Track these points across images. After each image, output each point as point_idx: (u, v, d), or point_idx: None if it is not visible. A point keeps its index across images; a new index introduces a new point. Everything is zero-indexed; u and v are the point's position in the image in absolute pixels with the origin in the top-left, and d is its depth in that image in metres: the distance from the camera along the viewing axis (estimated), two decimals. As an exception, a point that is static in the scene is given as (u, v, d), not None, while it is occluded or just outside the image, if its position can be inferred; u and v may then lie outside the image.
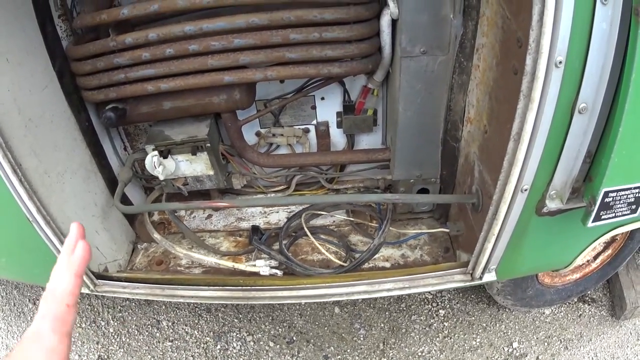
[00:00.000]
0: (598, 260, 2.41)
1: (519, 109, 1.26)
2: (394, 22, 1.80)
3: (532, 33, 1.12)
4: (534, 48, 1.14)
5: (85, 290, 2.06)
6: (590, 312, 2.67)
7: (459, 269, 1.93)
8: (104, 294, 2.09)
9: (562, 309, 2.68)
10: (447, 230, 2.12)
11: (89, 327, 2.76)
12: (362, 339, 2.62)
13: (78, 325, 2.77)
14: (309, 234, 2.23)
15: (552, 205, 1.44)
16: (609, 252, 2.37)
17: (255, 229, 2.26)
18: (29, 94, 1.76)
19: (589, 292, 2.70)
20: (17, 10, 1.70)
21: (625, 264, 2.50)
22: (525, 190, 1.42)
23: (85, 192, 2.06)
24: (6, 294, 3.03)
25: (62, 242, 1.81)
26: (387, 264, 2.17)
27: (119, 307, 2.84)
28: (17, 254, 2.01)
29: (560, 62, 1.13)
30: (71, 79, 2.02)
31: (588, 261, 2.42)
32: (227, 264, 2.13)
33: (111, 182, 2.24)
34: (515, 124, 1.29)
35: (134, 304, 2.86)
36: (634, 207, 1.40)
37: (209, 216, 2.55)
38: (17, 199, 1.67)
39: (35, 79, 1.80)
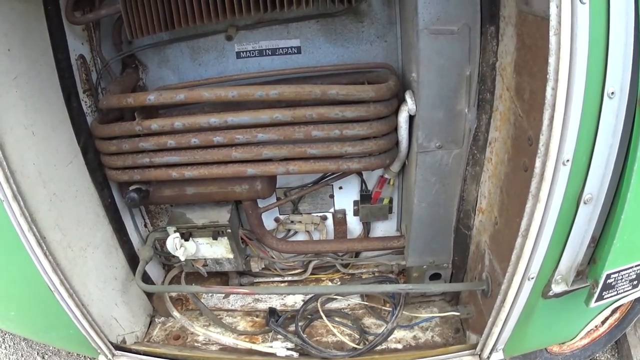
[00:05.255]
0: (606, 325, 2.40)
1: (527, 207, 1.31)
2: (411, 118, 1.86)
3: (542, 137, 1.17)
4: (543, 151, 1.19)
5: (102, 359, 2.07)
6: (598, 374, 2.65)
7: (467, 351, 1.97)
8: (121, 366, 2.11)
9: (570, 372, 2.67)
10: (457, 313, 2.16)
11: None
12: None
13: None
14: (324, 317, 2.26)
15: (557, 289, 1.48)
16: (616, 315, 2.36)
17: (272, 312, 2.30)
18: (54, 169, 1.79)
19: (597, 355, 2.67)
20: (43, 84, 1.74)
21: (633, 324, 2.48)
22: (532, 278, 1.47)
23: (106, 266, 2.10)
24: (14, 343, 3.03)
25: (82, 313, 1.85)
26: (399, 346, 2.20)
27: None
28: (32, 315, 2.00)
29: (568, 161, 1.17)
30: (95, 155, 2.06)
31: (596, 326, 2.41)
32: (245, 344, 2.17)
33: (131, 257, 2.28)
34: (524, 222, 1.34)
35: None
36: (635, 282, 1.43)
37: (227, 296, 2.58)
38: (41, 271, 1.69)
39: (60, 154, 1.84)
